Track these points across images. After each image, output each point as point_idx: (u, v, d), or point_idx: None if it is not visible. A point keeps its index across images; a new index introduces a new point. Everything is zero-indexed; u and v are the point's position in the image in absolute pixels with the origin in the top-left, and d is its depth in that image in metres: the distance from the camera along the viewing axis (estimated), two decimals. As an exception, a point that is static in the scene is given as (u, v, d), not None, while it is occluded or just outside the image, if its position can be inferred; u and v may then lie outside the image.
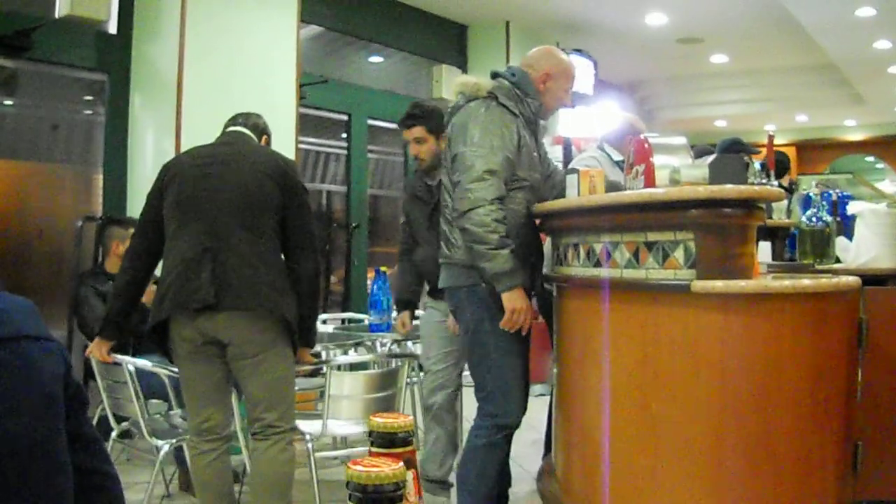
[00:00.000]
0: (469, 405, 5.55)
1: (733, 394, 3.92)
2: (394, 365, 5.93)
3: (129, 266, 5.09)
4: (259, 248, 4.78)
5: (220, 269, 4.69)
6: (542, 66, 5.16)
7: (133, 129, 8.53)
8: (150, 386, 5.78)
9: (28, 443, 1.70)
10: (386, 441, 1.46)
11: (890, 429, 4.75)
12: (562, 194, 5.20)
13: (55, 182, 8.88)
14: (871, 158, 22.09)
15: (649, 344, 4.14)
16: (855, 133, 21.17)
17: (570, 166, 6.06)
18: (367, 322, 7.70)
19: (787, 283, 3.98)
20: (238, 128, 5.23)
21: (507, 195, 4.78)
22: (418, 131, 6.09)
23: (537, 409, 5.51)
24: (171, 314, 4.79)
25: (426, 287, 6.34)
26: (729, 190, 3.95)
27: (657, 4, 12.32)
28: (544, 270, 5.34)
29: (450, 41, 12.94)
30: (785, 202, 6.94)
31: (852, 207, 5.89)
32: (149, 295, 5.29)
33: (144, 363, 5.51)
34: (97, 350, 5.23)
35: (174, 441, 5.53)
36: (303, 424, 5.61)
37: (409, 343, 6.61)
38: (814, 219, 5.76)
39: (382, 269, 7.08)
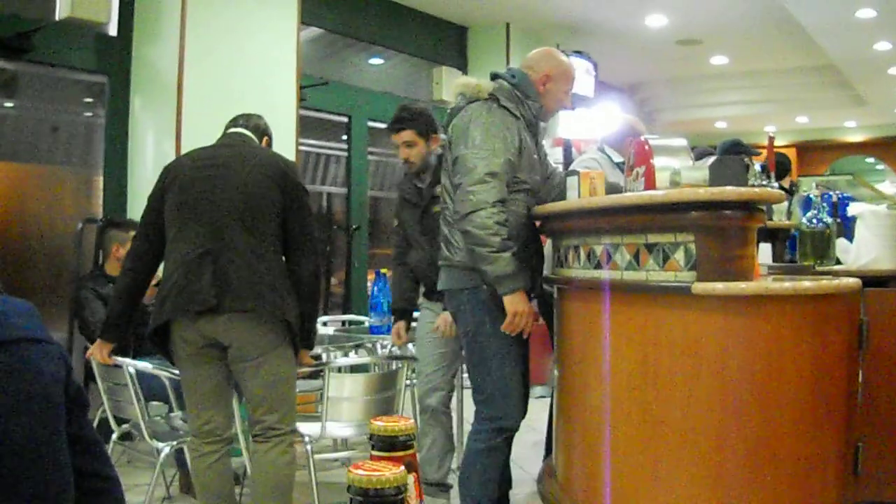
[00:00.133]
0: (469, 406, 5.53)
1: (734, 395, 3.92)
2: (394, 367, 5.92)
3: (130, 268, 5.09)
4: (260, 251, 4.78)
5: (220, 271, 4.69)
6: (543, 68, 5.16)
7: (133, 131, 8.53)
8: (150, 388, 5.78)
9: (29, 445, 1.70)
10: (387, 444, 1.46)
11: (890, 430, 4.75)
12: (560, 196, 5.20)
13: (55, 184, 8.88)
14: (871, 160, 22.09)
15: (650, 346, 4.14)
16: (855, 134, 21.17)
17: (570, 168, 6.04)
18: (367, 324, 7.70)
19: (787, 284, 3.98)
20: (239, 129, 5.23)
21: (508, 198, 4.77)
22: (408, 135, 5.99)
23: (538, 410, 5.51)
24: (172, 317, 4.80)
25: (422, 289, 6.31)
26: (729, 192, 3.95)
27: (657, 6, 12.32)
28: (545, 272, 5.34)
29: (450, 43, 12.94)
30: (785, 203, 6.94)
31: (853, 209, 5.89)
32: (151, 292, 5.29)
33: (145, 365, 5.51)
34: (98, 352, 5.23)
35: (175, 443, 5.53)
36: (302, 426, 5.61)
37: (410, 345, 6.58)
38: (814, 220, 5.76)
39: (383, 271, 7.08)
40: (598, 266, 4.46)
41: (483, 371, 4.99)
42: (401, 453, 1.46)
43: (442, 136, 5.52)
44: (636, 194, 4.40)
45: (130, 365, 5.41)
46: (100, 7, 7.51)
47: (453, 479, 5.75)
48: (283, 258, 4.96)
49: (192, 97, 8.18)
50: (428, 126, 5.99)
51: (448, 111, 5.20)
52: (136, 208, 7.71)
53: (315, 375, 5.79)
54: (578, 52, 12.77)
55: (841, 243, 5.82)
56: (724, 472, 3.95)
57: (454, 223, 4.86)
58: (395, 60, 12.54)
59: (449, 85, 5.44)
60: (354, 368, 6.90)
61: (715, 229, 3.94)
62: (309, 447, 5.58)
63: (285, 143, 8.50)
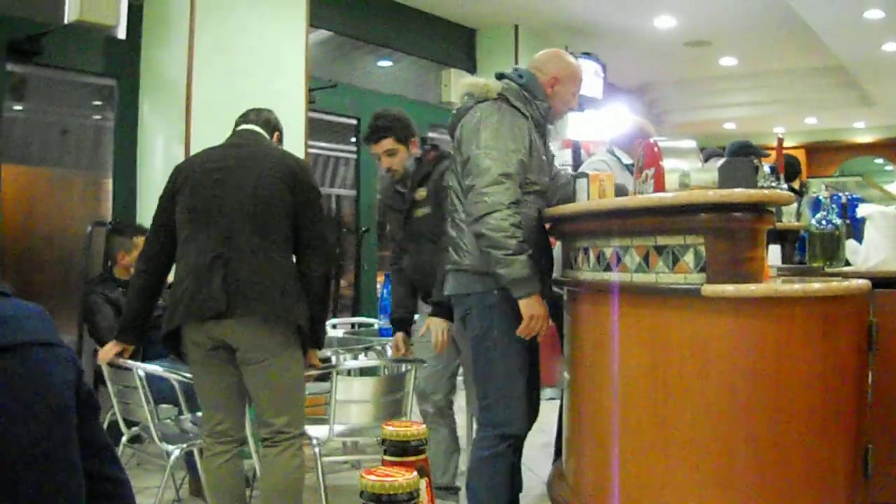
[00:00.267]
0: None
1: (743, 397, 3.92)
2: (402, 369, 5.91)
3: (143, 269, 5.10)
4: (271, 254, 4.78)
5: (231, 276, 4.70)
6: (551, 70, 5.13)
7: (142, 134, 8.53)
8: (160, 391, 5.79)
9: (40, 449, 1.70)
10: (399, 449, 1.46)
11: (901, 432, 4.74)
12: (565, 197, 5.19)
13: (65, 187, 8.88)
14: (880, 161, 22.03)
15: (659, 348, 4.14)
16: (864, 135, 21.14)
17: (580, 170, 6.03)
18: (376, 326, 7.69)
19: (797, 286, 3.98)
20: (250, 126, 5.21)
21: (521, 199, 4.75)
22: (388, 143, 5.86)
23: (547, 412, 5.50)
24: (183, 322, 4.80)
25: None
26: (738, 194, 3.94)
27: (665, 7, 12.31)
28: (554, 275, 5.33)
29: (458, 45, 12.94)
30: (795, 205, 6.94)
31: (862, 210, 5.88)
32: None
33: (155, 368, 5.52)
34: (106, 351, 5.22)
35: (184, 446, 5.53)
36: (311, 429, 5.61)
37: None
38: (823, 222, 5.76)
39: (392, 273, 7.07)
40: (607, 268, 4.46)
41: (488, 376, 4.97)
42: (413, 458, 1.46)
43: (433, 134, 5.48)
44: (645, 196, 4.40)
45: (140, 368, 5.41)
46: (109, 10, 7.51)
47: (462, 481, 5.73)
48: (294, 260, 4.96)
49: (201, 100, 8.18)
50: (406, 131, 5.90)
51: (454, 112, 5.16)
52: (145, 211, 7.72)
53: (324, 378, 5.78)
54: (587, 54, 12.75)
55: (850, 245, 5.81)
56: (733, 475, 3.94)
57: (468, 226, 4.81)
58: (404, 63, 12.54)
59: (459, 87, 5.33)
60: (363, 371, 6.89)
61: (724, 231, 3.94)
62: (317, 450, 5.58)
63: (294, 146, 8.49)
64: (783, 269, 5.92)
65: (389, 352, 6.63)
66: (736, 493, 3.94)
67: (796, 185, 9.12)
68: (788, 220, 6.85)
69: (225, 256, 4.72)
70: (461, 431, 6.24)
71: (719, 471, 3.97)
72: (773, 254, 6.17)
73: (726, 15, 12.49)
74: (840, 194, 6.32)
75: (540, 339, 4.85)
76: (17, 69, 7.86)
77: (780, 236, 6.46)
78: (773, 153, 7.68)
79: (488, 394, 4.96)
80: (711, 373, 3.95)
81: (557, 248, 5.44)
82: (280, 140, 5.36)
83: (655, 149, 4.47)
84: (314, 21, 9.65)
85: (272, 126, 5.32)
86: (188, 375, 5.13)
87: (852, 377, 4.09)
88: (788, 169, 8.26)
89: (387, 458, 1.46)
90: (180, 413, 6.18)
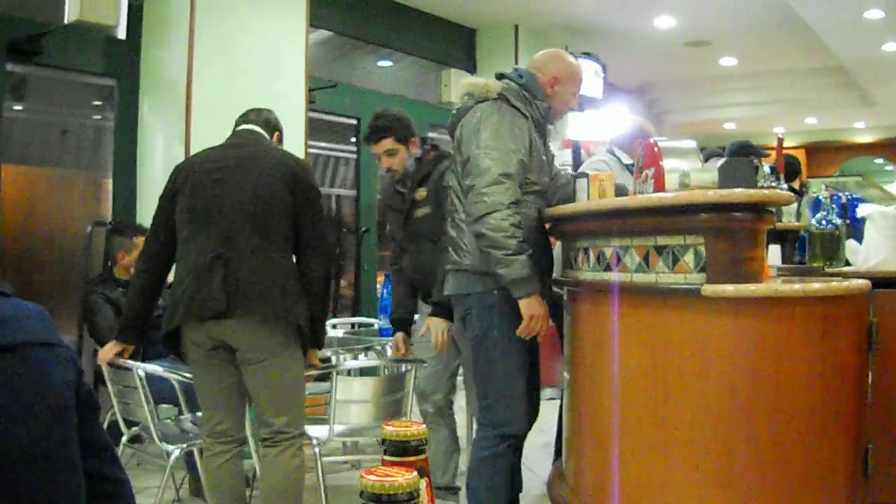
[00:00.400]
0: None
1: (743, 397, 3.92)
2: (402, 369, 5.91)
3: (143, 269, 5.10)
4: (271, 254, 4.79)
5: (231, 276, 4.70)
6: (551, 70, 5.13)
7: (142, 134, 8.53)
8: (160, 391, 5.79)
9: (40, 449, 1.70)
10: (399, 449, 1.46)
11: (901, 432, 4.74)
12: (565, 198, 5.19)
13: (65, 187, 8.89)
14: (880, 161, 22.03)
15: (659, 348, 4.14)
16: (864, 135, 21.14)
17: (579, 170, 6.03)
18: (376, 326, 7.69)
19: (796, 286, 3.98)
20: (250, 126, 5.21)
21: (521, 199, 4.74)
22: (389, 143, 5.85)
23: (547, 412, 5.51)
24: (183, 322, 4.81)
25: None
26: (738, 194, 3.95)
27: (665, 7, 12.32)
28: (554, 275, 5.33)
29: (458, 45, 12.94)
30: (795, 205, 6.94)
31: (862, 210, 5.88)
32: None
33: (155, 368, 5.52)
34: (110, 351, 5.22)
35: (184, 446, 5.54)
36: (311, 429, 5.61)
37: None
38: (823, 222, 5.76)
39: (391, 273, 7.06)
40: (607, 268, 4.46)
41: (487, 377, 4.96)
42: (413, 458, 1.46)
43: (433, 134, 5.46)
44: (645, 196, 4.40)
45: (140, 368, 5.41)
46: (109, 10, 7.51)
47: (462, 481, 5.73)
48: (294, 259, 4.96)
49: (201, 100, 8.19)
50: (406, 131, 5.89)
51: (454, 112, 5.16)
52: (145, 211, 7.72)
53: (324, 378, 5.78)
54: (587, 54, 12.75)
55: (850, 245, 5.81)
56: (733, 475, 3.95)
57: (468, 226, 4.81)
58: (404, 63, 12.54)
59: (458, 87, 5.30)
60: (363, 371, 6.89)
61: (724, 231, 3.94)
62: (317, 450, 5.58)
63: (294, 146, 8.48)
64: (783, 269, 5.92)
65: (389, 352, 6.61)
66: (736, 493, 3.94)
67: (796, 185, 9.12)
68: (788, 220, 6.86)
69: (225, 256, 4.72)
70: (461, 431, 6.24)
71: (719, 471, 3.97)
72: (773, 254, 6.17)
73: (726, 15, 12.49)
74: (840, 194, 6.32)
75: (540, 340, 4.84)
76: (18, 69, 7.87)
77: (780, 236, 6.46)
78: (773, 153, 7.68)
79: (488, 394, 4.96)
80: (711, 373, 3.95)
81: (557, 248, 5.44)
82: (280, 140, 5.36)
83: (655, 149, 4.47)
84: (314, 21, 9.65)
85: (272, 126, 5.32)
86: (188, 375, 5.14)
87: (852, 377, 4.09)
88: (788, 169, 8.27)
89: (387, 458, 1.47)
90: (180, 413, 6.19)
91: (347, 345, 7.13)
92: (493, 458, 4.93)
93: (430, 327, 5.63)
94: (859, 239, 5.72)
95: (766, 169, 6.45)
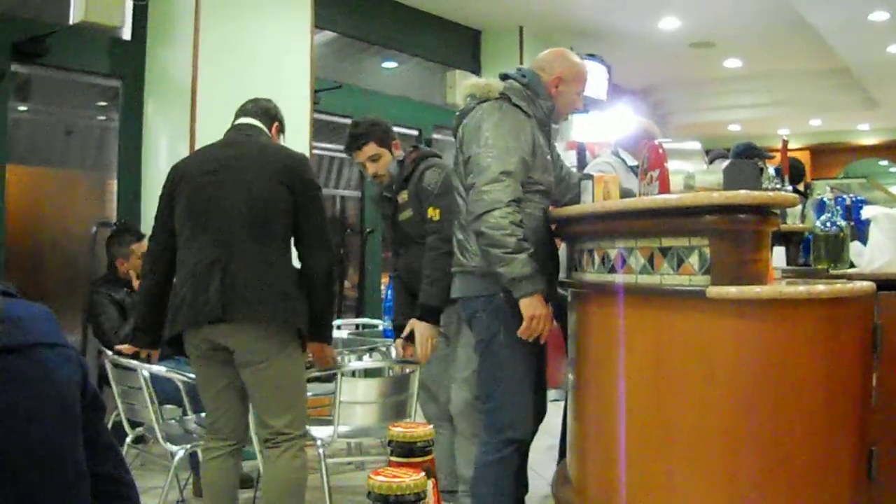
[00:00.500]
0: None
1: (747, 400, 3.92)
2: (407, 371, 5.90)
3: (150, 270, 5.12)
4: (269, 257, 4.79)
5: (229, 280, 4.71)
6: (555, 70, 5.11)
7: (147, 135, 8.54)
8: (164, 391, 5.79)
9: (46, 450, 1.70)
10: (405, 450, 1.46)
11: (905, 434, 4.73)
12: (576, 198, 5.18)
13: (69, 187, 8.90)
14: (884, 162, 22.02)
15: (664, 350, 4.14)
16: (869, 137, 21.13)
17: (584, 171, 6.02)
18: (381, 327, 7.69)
19: (801, 288, 3.97)
20: (248, 119, 5.20)
21: (523, 197, 4.72)
22: (371, 149, 5.82)
23: (552, 414, 5.50)
24: (184, 328, 4.83)
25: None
26: (743, 196, 3.94)
27: (670, 9, 12.31)
28: (559, 276, 5.32)
29: (463, 46, 12.94)
30: (799, 207, 6.93)
31: (866, 212, 5.87)
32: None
33: (159, 369, 5.53)
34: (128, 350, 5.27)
35: (188, 446, 5.55)
36: (315, 430, 5.61)
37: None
38: (828, 224, 5.75)
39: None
40: (612, 270, 4.45)
41: (493, 381, 4.94)
42: (419, 459, 1.46)
43: (437, 135, 5.44)
44: (650, 198, 4.40)
45: (144, 368, 5.42)
46: (114, 11, 7.52)
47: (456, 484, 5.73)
48: (297, 256, 4.96)
49: (206, 101, 8.19)
50: (386, 134, 5.88)
51: (457, 113, 5.16)
52: (149, 211, 7.68)
53: (328, 379, 5.78)
54: (592, 56, 12.74)
55: (855, 246, 5.81)
56: (737, 477, 3.95)
57: (468, 224, 4.80)
58: (409, 64, 12.54)
59: (461, 88, 5.26)
60: (368, 372, 6.89)
61: (729, 233, 3.94)
62: (321, 451, 5.58)
63: (299, 147, 8.43)
64: (788, 271, 5.91)
65: (394, 353, 6.60)
66: (740, 494, 3.94)
67: (801, 187, 9.12)
68: (793, 221, 6.85)
69: (222, 261, 4.73)
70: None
71: (723, 472, 3.97)
72: (778, 256, 6.16)
73: (731, 17, 12.49)
74: (844, 196, 6.32)
75: (542, 341, 4.81)
76: (23, 70, 7.88)
77: (784, 238, 6.45)
78: (778, 155, 7.69)
79: (493, 398, 4.94)
80: (716, 374, 3.95)
81: (562, 249, 5.43)
82: (281, 130, 5.34)
83: (660, 150, 4.46)
84: (319, 22, 9.65)
85: (271, 116, 5.30)
86: (192, 376, 5.16)
87: (856, 379, 4.08)
88: (793, 171, 8.27)
89: (393, 458, 1.47)
90: (184, 414, 6.19)
91: (352, 346, 7.12)
92: (498, 462, 4.90)
93: (415, 332, 5.56)
94: (864, 241, 5.72)
95: (771, 171, 6.46)
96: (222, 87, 8.30)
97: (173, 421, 6.09)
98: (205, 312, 4.70)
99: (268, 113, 5.28)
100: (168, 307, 4.98)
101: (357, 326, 9.35)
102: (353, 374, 6.01)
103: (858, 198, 6.54)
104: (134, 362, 5.35)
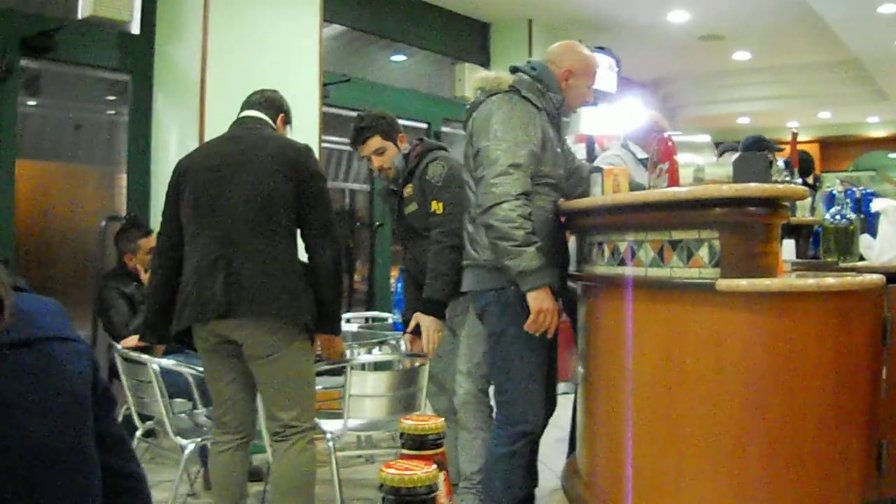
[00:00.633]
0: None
1: (757, 392, 3.92)
2: (417, 364, 5.89)
3: (158, 266, 5.13)
4: (273, 251, 4.79)
5: (233, 276, 4.71)
6: (565, 63, 5.11)
7: (156, 129, 8.53)
8: (174, 385, 5.80)
9: (57, 445, 1.70)
10: (417, 443, 1.47)
11: (915, 427, 4.73)
12: (587, 191, 5.17)
13: (79, 182, 8.90)
14: (894, 155, 21.97)
15: (673, 342, 4.14)
16: (878, 130, 21.07)
17: (594, 164, 6.01)
18: (390, 321, 7.69)
19: (811, 281, 3.98)
20: (252, 112, 5.20)
21: (532, 190, 4.72)
22: (376, 142, 5.82)
23: (561, 407, 5.49)
24: (190, 324, 4.84)
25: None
26: (753, 189, 3.94)
27: (679, 2, 12.28)
28: (569, 269, 5.31)
29: (472, 39, 12.92)
30: (808, 199, 6.92)
31: (876, 205, 5.87)
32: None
33: (169, 362, 5.53)
34: (132, 342, 5.28)
35: (199, 440, 5.55)
36: (325, 423, 5.61)
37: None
38: (837, 216, 5.75)
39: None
40: (622, 263, 4.46)
41: (505, 374, 4.94)
42: (431, 452, 1.47)
43: (446, 129, 5.43)
44: (660, 191, 4.40)
45: (154, 362, 5.42)
46: (122, 5, 7.52)
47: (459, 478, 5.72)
48: (304, 248, 4.96)
49: (215, 95, 8.18)
50: (391, 127, 5.86)
51: (467, 107, 5.15)
52: (158, 206, 7.63)
53: (338, 373, 5.78)
54: (601, 48, 12.73)
55: (864, 239, 5.80)
56: (746, 469, 3.95)
57: (477, 217, 4.80)
58: (418, 57, 12.52)
59: (471, 81, 5.23)
60: (378, 365, 6.89)
61: (739, 226, 3.94)
62: (331, 444, 5.58)
63: (309, 140, 8.36)
64: (797, 263, 5.91)
65: (403, 346, 6.60)
66: (749, 486, 3.94)
67: (810, 180, 9.11)
68: (802, 214, 6.84)
69: (227, 257, 4.74)
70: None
71: (733, 465, 3.98)
72: (787, 248, 6.16)
73: (740, 9, 12.47)
74: (854, 189, 6.30)
75: (550, 336, 4.80)
76: (32, 64, 7.87)
77: (794, 231, 6.45)
78: (788, 148, 7.67)
79: (505, 391, 4.94)
80: (725, 367, 3.95)
81: (571, 242, 5.43)
82: (287, 121, 5.34)
83: (670, 143, 4.47)
84: (328, 15, 9.64)
85: (276, 106, 5.29)
86: (202, 369, 5.15)
87: (866, 372, 4.09)
88: (802, 164, 8.25)
89: (405, 451, 1.47)
90: (195, 407, 6.20)
91: (361, 339, 7.12)
92: (509, 455, 4.91)
93: (421, 326, 5.56)
94: (873, 234, 5.72)
95: (780, 163, 6.45)
96: (231, 81, 8.29)
97: (183, 414, 6.10)
98: (210, 308, 4.71)
99: (273, 104, 5.28)
100: (175, 302, 4.99)
101: (367, 320, 9.36)
102: (363, 367, 6.02)
103: (868, 190, 6.52)
104: (144, 356, 5.36)
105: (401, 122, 5.95)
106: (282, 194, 4.83)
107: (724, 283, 3.84)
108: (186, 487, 6.35)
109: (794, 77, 16.45)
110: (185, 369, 5.56)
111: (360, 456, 7.30)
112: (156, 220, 5.89)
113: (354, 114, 6.02)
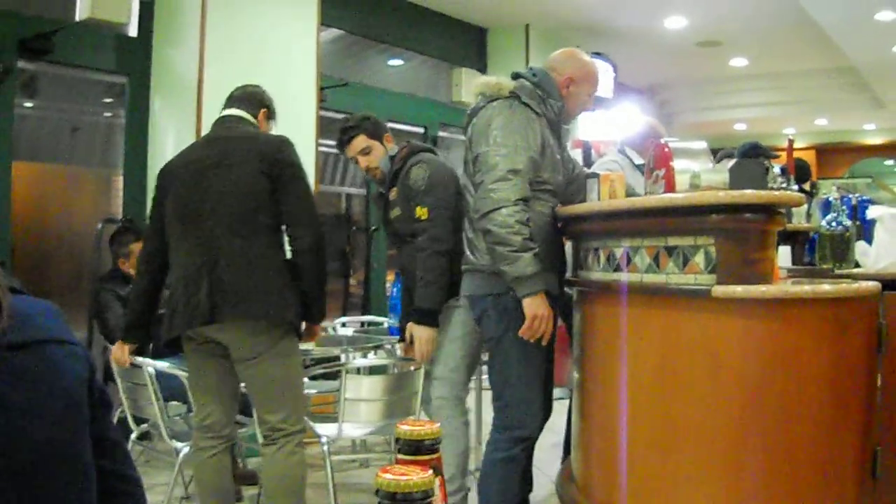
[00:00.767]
0: (487, 407, 5.51)
1: (752, 399, 3.93)
2: (412, 368, 5.89)
3: (144, 270, 5.16)
4: (255, 255, 4.82)
5: (217, 282, 4.75)
6: (566, 70, 5.11)
7: (153, 132, 8.54)
8: (169, 388, 5.80)
9: (53, 448, 1.70)
10: (413, 448, 1.47)
11: (910, 434, 4.74)
12: (587, 199, 5.18)
13: (75, 184, 8.92)
14: (890, 162, 21.98)
15: (669, 349, 4.15)
16: (875, 137, 21.10)
17: (591, 170, 6.02)
18: (386, 325, 7.68)
19: (806, 288, 3.98)
20: (232, 110, 5.21)
21: (531, 196, 4.72)
22: (361, 141, 5.78)
23: (556, 412, 5.49)
24: (181, 332, 4.88)
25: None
26: (749, 195, 3.95)
27: (676, 8, 12.30)
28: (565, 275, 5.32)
29: (469, 44, 12.93)
30: (805, 206, 6.94)
31: (872, 212, 5.87)
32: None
33: (164, 365, 5.53)
34: (119, 354, 5.27)
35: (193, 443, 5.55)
36: (320, 427, 5.62)
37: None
38: (833, 223, 5.76)
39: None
40: (617, 268, 4.46)
41: (503, 379, 4.93)
42: (426, 457, 1.47)
43: (443, 133, 5.42)
44: (656, 197, 4.40)
45: (150, 365, 5.43)
46: (120, 8, 7.53)
47: (471, 482, 5.72)
48: (283, 241, 4.98)
49: (212, 98, 8.17)
50: (376, 127, 5.83)
51: (468, 112, 5.16)
52: (155, 208, 7.75)
53: (333, 376, 5.79)
54: (598, 54, 12.72)
55: (860, 246, 5.81)
56: (742, 476, 3.95)
57: (475, 222, 4.80)
58: (415, 62, 12.53)
59: (468, 86, 5.23)
60: (373, 369, 6.90)
61: (735, 232, 3.94)
62: (325, 448, 5.58)
63: (305, 144, 8.49)
64: (793, 270, 5.92)
65: (399, 351, 6.59)
66: (744, 494, 3.94)
67: (807, 186, 9.12)
68: (799, 221, 6.86)
69: (210, 263, 4.77)
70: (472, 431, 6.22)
71: (728, 472, 3.98)
72: (783, 255, 6.17)
73: (737, 15, 12.48)
74: (850, 196, 6.32)
75: (545, 342, 4.80)
76: (29, 66, 7.88)
77: (790, 237, 6.46)
78: (784, 154, 7.69)
79: (503, 396, 4.94)
80: (721, 373, 3.96)
81: (568, 247, 5.43)
82: (270, 116, 5.35)
83: (666, 149, 4.47)
84: (325, 20, 9.64)
85: (257, 102, 5.29)
86: (191, 369, 5.18)
87: (861, 379, 4.09)
88: (799, 171, 8.27)
89: (401, 456, 1.48)
90: (189, 410, 6.18)
91: (357, 343, 7.12)
92: (506, 461, 4.92)
93: (413, 337, 5.49)
94: (869, 241, 5.72)
95: (777, 170, 6.46)
96: (228, 84, 8.20)
97: (178, 417, 6.09)
98: (196, 316, 4.75)
99: (254, 99, 5.28)
100: (164, 310, 5.01)
101: (362, 324, 9.36)
102: (358, 371, 6.02)
103: (864, 197, 6.54)
104: (139, 359, 5.37)
105: (398, 126, 5.98)
106: (260, 192, 4.85)
107: (719, 290, 3.85)
108: (181, 490, 6.35)
109: (790, 84, 16.47)
110: (180, 372, 5.56)
111: (354, 460, 7.30)
112: (151, 223, 5.90)
113: (351, 118, 6.02)
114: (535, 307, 4.58)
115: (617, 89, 13.62)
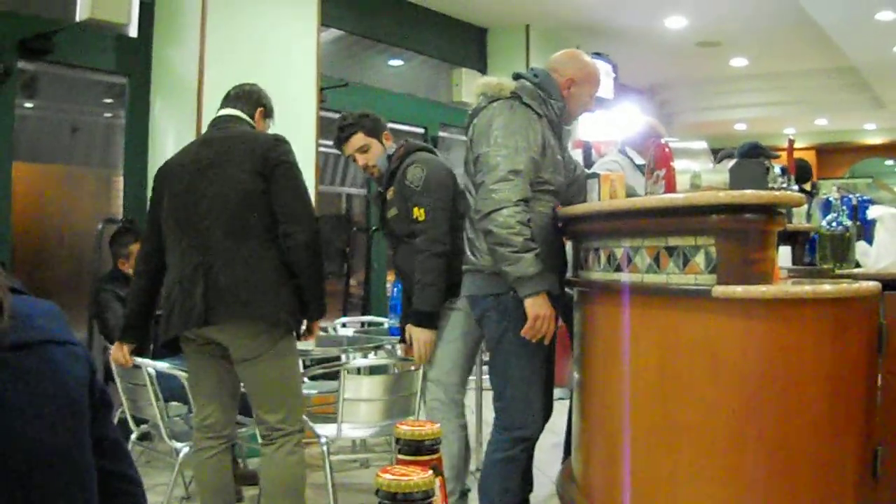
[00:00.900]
0: (487, 407, 5.50)
1: (753, 399, 3.92)
2: (412, 368, 5.88)
3: (142, 270, 5.17)
4: (250, 255, 4.81)
5: (212, 284, 4.75)
6: (568, 72, 5.10)
7: (153, 132, 8.55)
8: (169, 388, 5.80)
9: (54, 449, 1.70)
10: (413, 448, 1.47)
11: (910, 434, 4.73)
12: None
13: (75, 185, 8.91)
14: (890, 162, 22.00)
15: (669, 349, 4.14)
16: (875, 137, 21.10)
17: (592, 170, 6.01)
18: (386, 325, 7.68)
19: (807, 288, 3.98)
20: (227, 110, 5.21)
21: (532, 197, 4.72)
22: (359, 139, 5.73)
23: (557, 412, 5.49)
24: (178, 333, 4.89)
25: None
26: (749, 195, 3.95)
27: (676, 8, 12.31)
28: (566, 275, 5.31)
29: (470, 45, 12.94)
30: (805, 206, 6.93)
31: (872, 212, 5.87)
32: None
33: (164, 366, 5.53)
34: (118, 354, 5.26)
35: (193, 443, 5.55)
36: (320, 427, 5.61)
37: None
38: (834, 223, 5.74)
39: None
40: (618, 269, 4.46)
41: (504, 380, 4.93)
42: (427, 457, 1.47)
43: (443, 133, 5.42)
44: (656, 197, 4.40)
45: (150, 365, 5.43)
46: (120, 8, 7.52)
47: (471, 482, 5.72)
48: (279, 242, 4.95)
49: (212, 98, 8.12)
50: (374, 124, 5.79)
51: (469, 112, 5.15)
52: (155, 209, 7.75)
53: (333, 377, 5.78)
54: (598, 54, 12.73)
55: (860, 246, 5.80)
56: (742, 476, 3.95)
57: (476, 223, 4.79)
58: (415, 62, 12.53)
59: (469, 87, 5.21)
60: (373, 370, 6.89)
61: (735, 232, 3.94)
62: (325, 448, 5.58)
63: (305, 145, 8.51)
64: (793, 270, 5.91)
65: (399, 351, 6.58)
66: (745, 493, 3.94)
67: (807, 186, 9.12)
68: (799, 221, 6.85)
69: (205, 265, 4.77)
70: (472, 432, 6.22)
71: (728, 472, 3.98)
72: (784, 255, 6.16)
73: (737, 15, 12.49)
74: (850, 196, 6.30)
75: (547, 342, 4.79)
76: (29, 67, 7.88)
77: (790, 238, 6.45)
78: (784, 154, 7.68)
79: (504, 396, 4.93)
80: (721, 374, 3.95)
81: (568, 247, 5.42)
82: (266, 114, 5.33)
83: (666, 150, 4.47)
84: (325, 20, 9.65)
85: (254, 100, 5.27)
86: (191, 370, 5.18)
87: (862, 379, 4.08)
88: (799, 171, 8.26)
89: (401, 456, 1.48)
90: (189, 411, 6.18)
91: (357, 343, 7.12)
92: (506, 461, 4.91)
93: (412, 339, 5.48)
94: (869, 241, 5.71)
95: (777, 170, 6.45)
96: (229, 85, 8.18)
97: (178, 418, 6.09)
98: (193, 317, 4.75)
99: (250, 98, 5.27)
100: (162, 312, 5.01)
101: (363, 324, 9.35)
102: (358, 371, 6.01)
103: (864, 197, 6.52)
104: (139, 359, 5.36)
105: (398, 126, 5.95)
106: (254, 192, 4.84)
107: (720, 290, 3.84)
108: (181, 491, 6.35)
109: (790, 84, 16.48)
110: (179, 373, 5.56)
111: (354, 460, 7.30)
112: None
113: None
114: (537, 307, 4.58)
115: (617, 89, 13.64)
